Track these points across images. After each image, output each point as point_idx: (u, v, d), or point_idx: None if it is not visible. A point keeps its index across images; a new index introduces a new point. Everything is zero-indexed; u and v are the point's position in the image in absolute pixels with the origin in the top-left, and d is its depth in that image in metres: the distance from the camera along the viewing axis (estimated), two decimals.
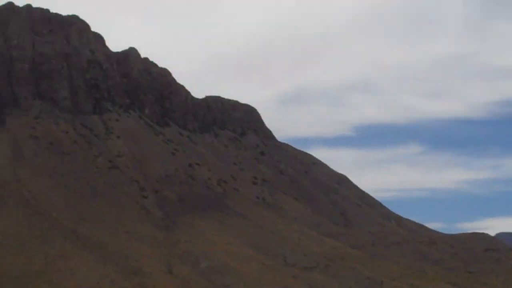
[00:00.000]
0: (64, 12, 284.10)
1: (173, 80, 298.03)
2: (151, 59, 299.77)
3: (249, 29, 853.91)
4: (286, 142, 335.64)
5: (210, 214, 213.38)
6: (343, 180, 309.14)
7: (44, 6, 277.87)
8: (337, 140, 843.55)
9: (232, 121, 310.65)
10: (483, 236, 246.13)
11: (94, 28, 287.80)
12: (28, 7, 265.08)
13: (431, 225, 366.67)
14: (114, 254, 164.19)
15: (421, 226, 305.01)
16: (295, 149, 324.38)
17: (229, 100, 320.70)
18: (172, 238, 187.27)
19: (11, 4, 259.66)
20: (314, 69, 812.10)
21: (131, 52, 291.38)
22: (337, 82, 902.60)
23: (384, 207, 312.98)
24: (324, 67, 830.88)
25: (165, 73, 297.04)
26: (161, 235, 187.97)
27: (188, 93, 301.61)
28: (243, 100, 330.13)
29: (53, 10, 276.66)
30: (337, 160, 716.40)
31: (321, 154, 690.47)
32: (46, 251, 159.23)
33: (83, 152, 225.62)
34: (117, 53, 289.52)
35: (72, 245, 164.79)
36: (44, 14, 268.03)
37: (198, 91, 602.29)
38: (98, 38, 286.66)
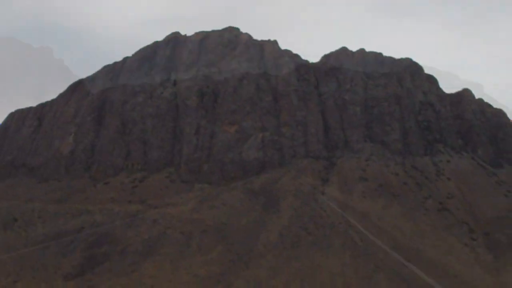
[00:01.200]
0: (396, 56, 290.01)
1: (508, 120, 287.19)
2: (485, 99, 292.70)
3: None
4: None
5: None
6: None
7: (377, 50, 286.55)
8: None
9: None
10: None
11: (426, 70, 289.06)
12: (361, 51, 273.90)
13: None
14: None
15: None
16: None
17: None
18: (501, 282, 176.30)
19: (344, 48, 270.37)
20: None
21: (465, 93, 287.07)
22: None
23: None
24: None
25: (499, 114, 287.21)
26: (490, 278, 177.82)
27: None
28: None
29: (385, 54, 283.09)
30: None
31: None
32: None
33: (412, 194, 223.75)
34: (451, 94, 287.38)
35: (397, 287, 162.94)
36: (376, 58, 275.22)
37: None
38: (431, 80, 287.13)
